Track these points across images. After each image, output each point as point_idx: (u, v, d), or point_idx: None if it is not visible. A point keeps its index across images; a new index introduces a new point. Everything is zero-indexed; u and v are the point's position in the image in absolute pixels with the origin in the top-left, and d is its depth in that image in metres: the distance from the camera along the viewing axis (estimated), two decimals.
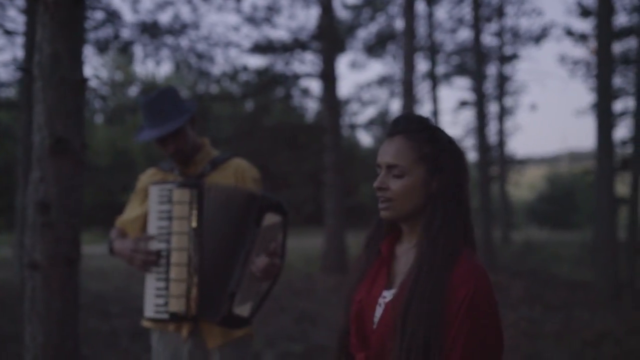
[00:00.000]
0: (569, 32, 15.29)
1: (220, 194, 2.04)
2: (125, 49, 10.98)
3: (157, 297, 2.07)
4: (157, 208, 2.08)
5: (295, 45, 11.64)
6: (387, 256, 1.38)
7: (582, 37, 15.33)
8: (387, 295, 1.32)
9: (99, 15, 9.85)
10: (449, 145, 1.33)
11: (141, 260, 2.06)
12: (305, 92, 13.63)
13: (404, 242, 1.38)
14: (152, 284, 2.10)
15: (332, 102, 10.35)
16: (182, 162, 2.21)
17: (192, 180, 2.11)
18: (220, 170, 2.23)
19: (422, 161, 1.30)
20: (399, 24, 16.30)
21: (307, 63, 12.42)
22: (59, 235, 2.33)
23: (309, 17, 23.78)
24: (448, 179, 1.29)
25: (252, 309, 2.04)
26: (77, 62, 2.37)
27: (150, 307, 2.09)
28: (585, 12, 14.65)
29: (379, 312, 1.32)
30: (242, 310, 2.01)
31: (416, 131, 1.32)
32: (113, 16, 9.80)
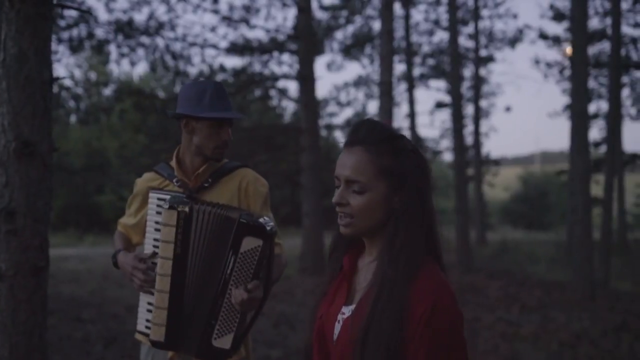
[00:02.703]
0: (543, 36, 15.52)
1: (207, 216, 1.91)
2: (100, 49, 10.78)
3: (148, 312, 2.02)
4: (154, 218, 2.01)
5: (273, 46, 11.56)
6: (348, 271, 1.33)
7: (556, 40, 15.59)
8: (346, 311, 1.29)
9: (72, 13, 9.64)
10: (413, 156, 1.25)
11: (140, 280, 1.99)
12: (283, 92, 13.56)
13: (365, 255, 1.34)
14: (144, 297, 2.05)
15: (309, 103, 10.29)
16: (219, 159, 2.10)
17: (184, 198, 1.98)
18: (222, 184, 2.11)
19: (383, 176, 1.23)
20: (376, 26, 16.36)
21: (284, 64, 12.37)
22: (25, 242, 2.23)
23: (287, 18, 23.69)
24: (411, 194, 1.23)
25: (235, 341, 1.93)
26: (45, 60, 2.27)
27: (142, 321, 2.06)
28: (559, 16, 14.89)
29: (337, 328, 1.28)
30: (222, 342, 1.92)
31: (377, 142, 1.24)
32: (87, 15, 9.59)
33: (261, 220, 1.90)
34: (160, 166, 2.20)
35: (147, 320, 2.02)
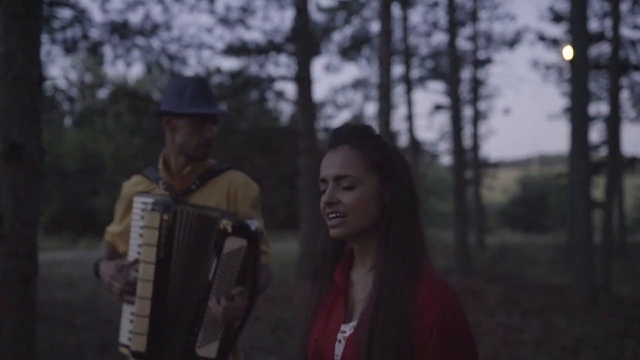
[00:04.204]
0: (542, 37, 15.48)
1: (190, 218, 1.84)
2: (95, 50, 10.67)
3: (130, 323, 1.93)
4: (139, 223, 1.91)
5: (270, 47, 11.47)
6: (343, 285, 1.24)
7: (555, 42, 15.55)
8: (347, 329, 1.19)
9: (66, 14, 9.54)
10: (397, 152, 1.24)
11: (118, 289, 1.90)
12: (280, 95, 13.48)
13: (357, 266, 1.25)
14: (127, 308, 1.96)
15: (307, 105, 10.22)
16: (203, 157, 2.02)
17: (168, 201, 1.90)
18: (209, 186, 2.01)
19: (373, 169, 1.19)
20: (374, 27, 16.31)
21: (281, 65, 12.27)
22: (13, 249, 2.14)
23: (284, 19, 23.64)
24: (402, 188, 1.19)
25: (220, 348, 1.84)
26: (34, 60, 2.18)
27: (125, 332, 1.96)
28: (557, 18, 14.86)
29: (339, 349, 1.19)
30: (207, 351, 1.83)
31: (362, 138, 1.22)
32: (80, 15, 9.49)
33: (246, 220, 1.82)
34: (149, 169, 2.10)
35: (130, 332, 1.92)
